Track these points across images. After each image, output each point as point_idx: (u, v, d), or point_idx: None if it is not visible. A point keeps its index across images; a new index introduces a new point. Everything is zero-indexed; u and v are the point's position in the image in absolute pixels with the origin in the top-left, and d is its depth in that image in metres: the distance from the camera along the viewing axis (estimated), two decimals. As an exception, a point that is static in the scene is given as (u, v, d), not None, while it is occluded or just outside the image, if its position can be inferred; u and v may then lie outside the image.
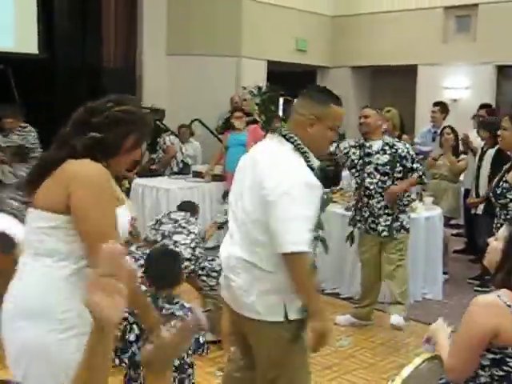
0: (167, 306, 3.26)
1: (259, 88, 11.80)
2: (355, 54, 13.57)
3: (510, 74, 13.31)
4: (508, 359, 2.52)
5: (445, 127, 7.94)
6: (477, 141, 7.96)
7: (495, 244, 2.75)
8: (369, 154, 5.55)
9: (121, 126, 2.49)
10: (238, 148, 8.40)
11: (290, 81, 13.13)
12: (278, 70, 12.52)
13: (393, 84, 13.48)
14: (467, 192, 7.66)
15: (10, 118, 7.95)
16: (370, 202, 5.58)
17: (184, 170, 9.41)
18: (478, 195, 7.06)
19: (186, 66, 11.50)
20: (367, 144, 5.58)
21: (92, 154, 2.41)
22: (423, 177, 5.60)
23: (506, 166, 4.51)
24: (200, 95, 11.21)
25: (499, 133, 4.74)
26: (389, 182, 5.49)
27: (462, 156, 7.67)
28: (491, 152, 6.92)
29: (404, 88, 12.98)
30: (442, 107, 8.99)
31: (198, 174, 8.96)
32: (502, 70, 12.56)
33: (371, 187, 5.55)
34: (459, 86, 12.48)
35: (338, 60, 13.88)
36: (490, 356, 2.54)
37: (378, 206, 5.53)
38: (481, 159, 7.20)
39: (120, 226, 2.42)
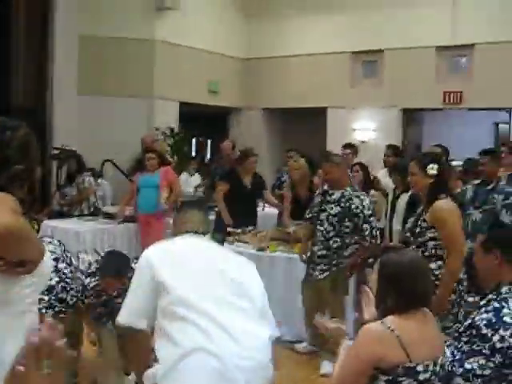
0: None
1: (171, 129, 11.81)
2: (267, 95, 13.81)
3: (415, 117, 13.88)
4: (400, 378, 2.66)
5: (354, 164, 8.06)
6: (385, 180, 8.12)
7: (373, 276, 2.93)
8: (327, 202, 5.74)
9: (31, 151, 2.47)
10: (150, 189, 8.38)
11: (203, 122, 13.27)
12: (190, 111, 12.58)
13: (304, 125, 13.74)
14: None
15: None
16: (313, 248, 5.76)
17: (94, 213, 9.23)
18: (391, 239, 7.10)
19: (98, 106, 11.38)
20: (330, 192, 5.78)
21: (19, 186, 2.37)
22: (373, 240, 5.68)
23: (422, 207, 4.65)
24: (112, 136, 11.11)
25: (409, 178, 4.87)
26: (332, 234, 5.65)
27: (372, 192, 7.66)
28: (405, 197, 6.99)
29: (315, 129, 13.26)
30: (353, 149, 9.20)
31: (108, 216, 8.82)
32: (407, 114, 13.04)
33: (318, 234, 5.73)
34: (367, 127, 12.86)
35: (250, 101, 14.07)
36: (385, 378, 2.68)
37: (318, 253, 5.71)
38: (393, 204, 7.24)
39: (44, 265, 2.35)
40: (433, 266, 4.28)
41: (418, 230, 4.50)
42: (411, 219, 4.72)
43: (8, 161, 2.37)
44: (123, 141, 10.84)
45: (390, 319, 2.71)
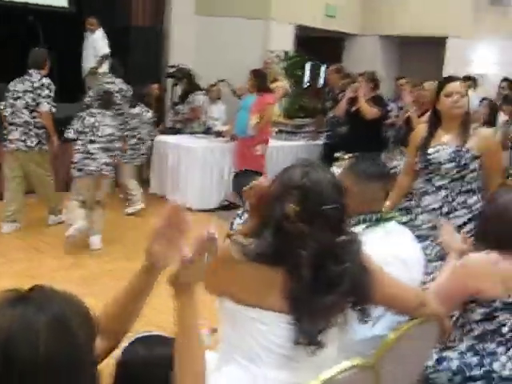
0: None
1: (286, 52, 11.74)
2: (384, 22, 13.40)
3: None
4: (496, 313, 2.65)
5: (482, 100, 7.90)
6: (501, 116, 7.88)
7: None
8: None
9: None
10: (243, 112, 8.35)
11: (318, 47, 13.08)
12: (306, 35, 12.44)
13: (421, 55, 13.33)
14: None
15: None
16: None
17: (206, 131, 9.46)
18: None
19: (214, 26, 11.44)
20: None
21: None
22: None
23: None
24: (227, 56, 11.17)
25: None
26: None
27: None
28: None
29: (432, 59, 12.85)
30: (473, 82, 8.95)
31: (220, 134, 9.01)
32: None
33: None
34: (487, 60, 12.33)
35: (367, 28, 13.74)
36: (481, 310, 2.68)
37: None
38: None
39: None
40: (470, 201, 4.01)
41: (462, 161, 3.99)
42: None
43: None
44: (238, 62, 10.85)
45: (494, 254, 2.67)
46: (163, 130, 9.48)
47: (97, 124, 6.65)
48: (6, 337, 1.27)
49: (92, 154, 6.58)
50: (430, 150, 4.07)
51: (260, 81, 8.39)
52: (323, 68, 13.20)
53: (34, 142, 6.85)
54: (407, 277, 2.56)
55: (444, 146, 4.04)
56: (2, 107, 6.97)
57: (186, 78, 9.72)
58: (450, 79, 4.14)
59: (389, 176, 3.02)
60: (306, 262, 2.00)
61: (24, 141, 6.81)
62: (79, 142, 6.61)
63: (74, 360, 1.31)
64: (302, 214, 2.02)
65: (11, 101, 6.85)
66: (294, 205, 2.02)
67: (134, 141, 8.02)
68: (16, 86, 6.88)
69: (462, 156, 3.97)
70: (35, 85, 6.83)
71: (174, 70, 10.45)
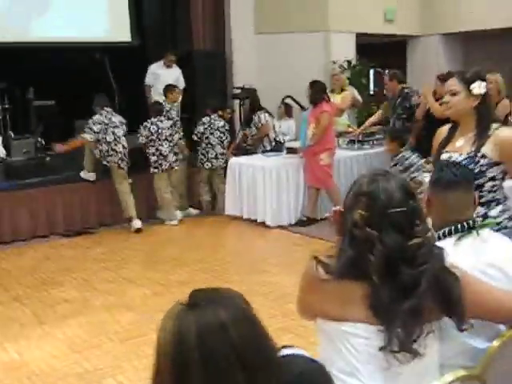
0: None
1: (349, 62, 11.72)
2: (446, 20, 13.15)
3: None
4: None
5: None
6: None
7: None
8: None
9: None
10: (303, 124, 8.59)
11: (381, 52, 13.01)
12: (367, 43, 12.38)
13: (488, 50, 13.01)
14: None
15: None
16: None
17: (276, 148, 9.52)
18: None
19: (275, 44, 11.54)
20: None
21: None
22: None
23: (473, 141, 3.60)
24: (290, 72, 11.23)
25: (446, 99, 3.64)
26: None
27: None
28: None
29: (502, 53, 12.52)
30: None
31: (291, 150, 9.04)
32: None
33: None
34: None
35: (428, 28, 13.52)
36: None
37: None
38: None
39: None
40: (493, 212, 3.50)
41: (476, 169, 3.47)
42: (453, 155, 3.60)
43: None
44: (302, 76, 10.89)
45: None
46: (234, 151, 9.58)
47: (160, 130, 8.64)
48: (198, 338, 1.34)
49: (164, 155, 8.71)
50: (443, 156, 3.61)
51: (314, 92, 8.45)
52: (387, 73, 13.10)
53: None
54: (507, 286, 2.48)
55: (457, 152, 3.57)
56: (90, 138, 8.40)
57: (249, 99, 9.84)
58: (449, 76, 3.59)
59: (471, 180, 2.81)
60: (376, 267, 2.01)
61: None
62: (151, 148, 8.65)
63: (262, 348, 1.40)
64: (369, 219, 2.05)
65: (112, 129, 8.50)
66: (363, 211, 2.06)
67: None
68: (112, 118, 8.57)
69: (476, 163, 3.47)
70: (122, 120, 8.72)
71: (239, 91, 10.57)
